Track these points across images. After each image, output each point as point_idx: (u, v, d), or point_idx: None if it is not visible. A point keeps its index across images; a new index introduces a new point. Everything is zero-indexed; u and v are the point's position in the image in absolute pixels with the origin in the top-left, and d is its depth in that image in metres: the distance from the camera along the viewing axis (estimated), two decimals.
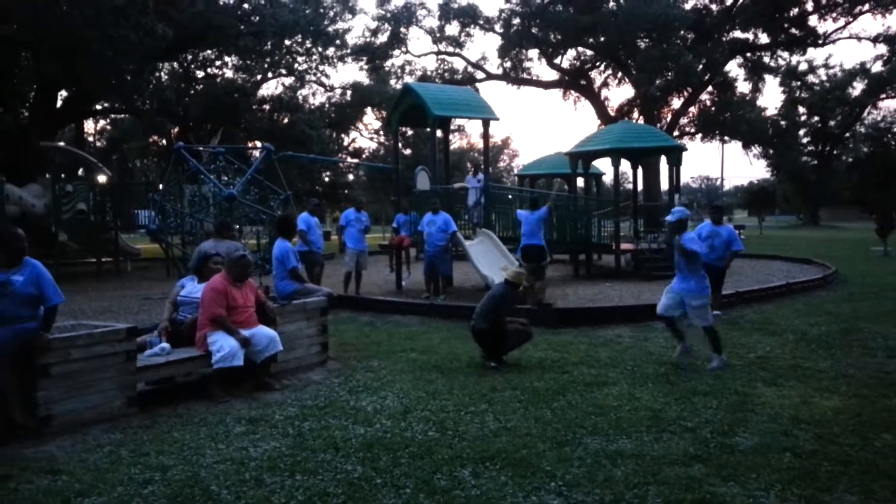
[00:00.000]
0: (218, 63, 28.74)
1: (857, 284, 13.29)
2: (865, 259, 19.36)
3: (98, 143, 38.86)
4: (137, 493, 3.98)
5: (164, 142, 32.83)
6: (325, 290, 8.04)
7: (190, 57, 27.76)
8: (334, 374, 6.80)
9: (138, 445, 4.78)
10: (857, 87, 48.53)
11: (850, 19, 33.63)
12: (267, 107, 30.82)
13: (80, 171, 22.31)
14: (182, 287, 6.76)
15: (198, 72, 29.24)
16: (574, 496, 3.85)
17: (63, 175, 20.73)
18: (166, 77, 28.26)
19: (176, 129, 30.10)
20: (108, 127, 38.83)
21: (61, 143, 24.82)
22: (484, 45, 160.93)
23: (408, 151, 38.47)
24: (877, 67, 45.23)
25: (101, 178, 20.02)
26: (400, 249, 13.62)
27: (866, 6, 32.35)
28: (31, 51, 18.16)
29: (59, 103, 23.98)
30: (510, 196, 17.10)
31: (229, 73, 29.19)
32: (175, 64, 27.98)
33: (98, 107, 27.72)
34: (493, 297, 7.34)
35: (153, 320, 8.31)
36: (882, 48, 36.79)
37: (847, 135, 53.85)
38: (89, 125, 35.94)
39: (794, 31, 33.83)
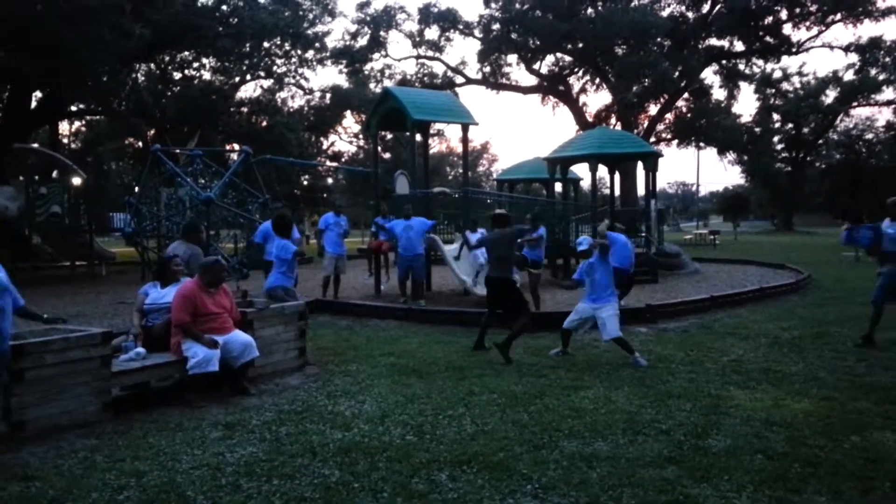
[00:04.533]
0: (195, 65, 28.49)
1: (828, 289, 13.51)
2: (837, 264, 19.69)
3: (73, 145, 38.35)
4: (112, 499, 3.95)
5: (140, 144, 32.50)
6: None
7: (167, 58, 27.49)
8: (312, 379, 6.78)
9: (113, 451, 4.74)
10: (830, 95, 49.37)
11: (823, 28, 34.27)
12: (245, 109, 30.66)
13: (55, 174, 22.05)
14: (146, 295, 6.65)
15: (175, 73, 28.99)
16: (550, 498, 3.89)
17: (37, 177, 20.47)
18: (143, 78, 27.96)
19: (152, 131, 29.81)
20: (83, 129, 38.36)
21: (35, 145, 24.48)
22: (463, 50, 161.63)
23: (387, 155, 38.49)
24: (849, 76, 46.05)
25: (76, 181, 19.79)
26: (378, 254, 13.60)
27: (839, 15, 32.95)
28: (4, 50, 17.89)
29: (33, 104, 23.65)
30: (489, 201, 17.15)
31: (207, 75, 28.98)
32: (152, 65, 27.70)
33: (73, 108, 27.37)
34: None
35: (128, 325, 8.23)
36: (854, 57, 37.49)
37: (820, 142, 54.68)
38: (64, 127, 35.43)
39: (768, 39, 34.38)
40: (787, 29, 34.24)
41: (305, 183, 41.36)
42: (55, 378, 5.10)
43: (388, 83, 33.76)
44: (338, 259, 12.27)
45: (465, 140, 15.61)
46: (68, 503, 3.90)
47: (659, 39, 30.66)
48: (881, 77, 41.70)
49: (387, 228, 12.31)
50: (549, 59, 35.34)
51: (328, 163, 38.87)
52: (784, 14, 33.44)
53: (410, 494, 3.94)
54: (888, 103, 46.84)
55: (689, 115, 36.98)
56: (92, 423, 5.26)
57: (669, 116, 37.16)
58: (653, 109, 35.46)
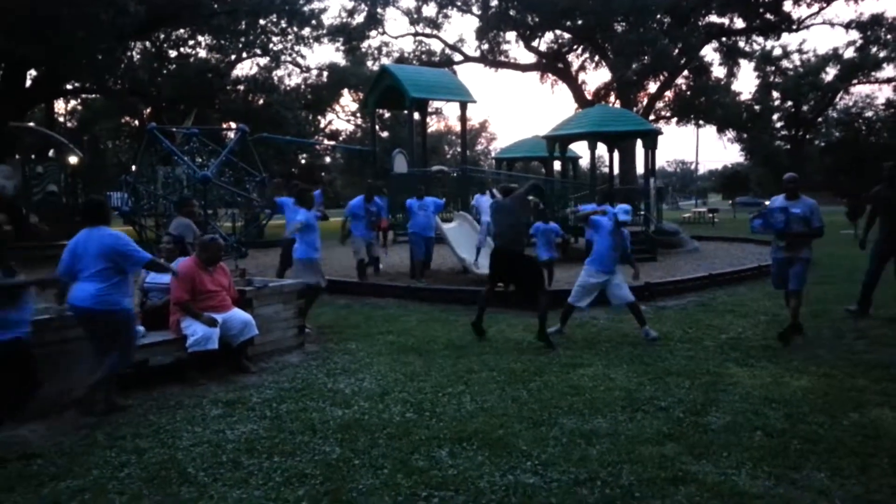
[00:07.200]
0: (191, 42, 28.27)
1: (827, 267, 13.50)
2: (836, 242, 19.66)
3: (69, 124, 38.10)
4: (113, 476, 3.97)
5: (137, 122, 32.32)
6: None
7: (163, 36, 27.25)
8: (311, 357, 6.79)
9: (114, 429, 4.75)
10: (830, 73, 49.04)
11: (824, 5, 33.89)
12: (241, 87, 30.42)
13: (51, 153, 21.90)
14: (147, 273, 6.67)
15: (171, 51, 28.73)
16: (550, 475, 3.90)
17: (33, 156, 20.34)
18: (139, 56, 27.74)
19: (148, 110, 29.65)
20: (79, 107, 38.08)
21: (31, 124, 24.28)
22: (461, 27, 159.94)
23: (385, 134, 38.25)
24: (849, 53, 45.72)
25: (73, 160, 19.68)
26: (377, 231, 13.56)
27: None
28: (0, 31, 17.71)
29: (28, 83, 23.45)
30: (489, 180, 17.10)
31: (203, 53, 28.77)
32: (148, 43, 27.46)
33: (69, 87, 27.17)
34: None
35: None
36: (854, 34, 37.19)
37: (820, 120, 54.43)
38: (60, 105, 35.16)
39: (768, 16, 34.03)
40: (787, 6, 33.89)
41: (303, 162, 41.19)
42: (54, 356, 5.10)
43: (385, 61, 33.47)
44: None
45: (463, 118, 15.55)
46: (69, 480, 3.91)
47: (659, 16, 30.35)
48: (882, 54, 41.44)
49: (407, 207, 12.19)
50: (548, 36, 34.98)
51: (326, 141, 38.67)
52: None
53: (410, 471, 3.96)
54: (888, 81, 46.58)
55: (688, 92, 36.75)
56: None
57: (669, 94, 36.90)
58: (652, 87, 35.21)
